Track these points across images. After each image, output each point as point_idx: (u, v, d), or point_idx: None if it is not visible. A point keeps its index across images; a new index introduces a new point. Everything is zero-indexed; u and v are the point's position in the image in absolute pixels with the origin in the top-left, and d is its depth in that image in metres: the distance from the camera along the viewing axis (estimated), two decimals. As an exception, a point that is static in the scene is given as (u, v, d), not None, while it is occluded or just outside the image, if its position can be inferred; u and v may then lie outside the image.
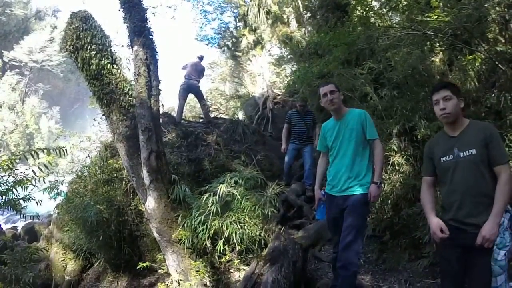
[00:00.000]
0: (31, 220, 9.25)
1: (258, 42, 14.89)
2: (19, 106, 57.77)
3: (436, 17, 4.77)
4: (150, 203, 4.70)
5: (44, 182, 4.78)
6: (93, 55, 4.94)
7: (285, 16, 14.67)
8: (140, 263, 5.05)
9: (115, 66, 5.08)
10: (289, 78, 12.87)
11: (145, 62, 4.85)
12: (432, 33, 4.99)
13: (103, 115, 5.31)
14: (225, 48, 17.33)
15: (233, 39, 16.68)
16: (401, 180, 4.90)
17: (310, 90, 8.07)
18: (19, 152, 4.43)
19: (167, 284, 4.87)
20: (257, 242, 4.89)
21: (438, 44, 5.59)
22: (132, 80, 5.05)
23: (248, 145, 7.50)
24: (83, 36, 4.98)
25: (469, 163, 2.42)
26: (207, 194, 4.83)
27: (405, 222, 4.52)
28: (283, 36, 13.90)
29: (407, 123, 4.98)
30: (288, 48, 13.49)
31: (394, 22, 6.75)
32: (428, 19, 4.89)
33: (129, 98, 4.98)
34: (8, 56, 60.50)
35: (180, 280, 4.67)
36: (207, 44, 18.73)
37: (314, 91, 7.58)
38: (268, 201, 5.02)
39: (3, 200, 4.21)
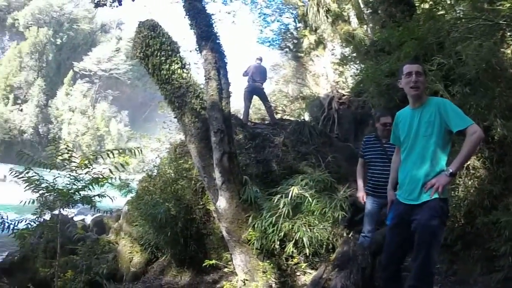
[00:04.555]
0: (100, 214, 9.88)
1: (319, 42, 14.65)
2: (90, 110, 63.62)
3: (509, 5, 4.34)
4: (222, 203, 4.77)
5: (116, 180, 5.04)
6: (163, 61, 5.13)
7: (345, 14, 14.28)
8: (206, 260, 5.14)
9: (185, 70, 5.24)
10: (354, 77, 12.49)
11: (214, 65, 4.95)
12: (505, 22, 4.55)
13: (174, 117, 5.49)
14: (287, 49, 17.27)
15: (294, 40, 16.58)
16: (476, 185, 4.47)
17: (378, 89, 7.75)
18: (94, 153, 4.71)
19: (233, 283, 4.92)
20: (324, 246, 4.76)
21: (509, 34, 5.07)
22: (202, 84, 5.17)
23: (315, 146, 7.36)
24: (152, 43, 5.20)
25: None
26: (278, 196, 4.78)
27: (478, 231, 4.15)
28: (345, 34, 13.52)
29: (481, 122, 4.47)
30: (351, 46, 13.12)
31: (461, 13, 6.27)
32: (500, 7, 4.46)
33: (200, 101, 5.09)
34: (78, 66, 66.98)
35: (246, 280, 4.68)
36: (268, 46, 18.78)
37: (382, 91, 7.26)
38: (339, 204, 4.85)
39: (80, 196, 4.44)
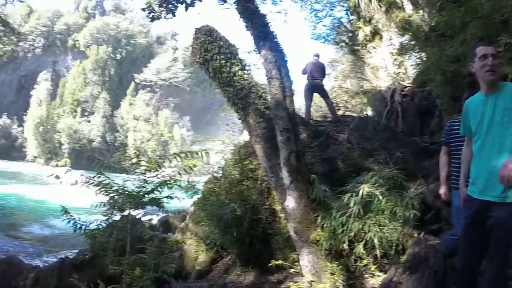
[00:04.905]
0: (166, 214, 10.31)
1: (375, 33, 14.06)
2: (154, 118, 68.26)
3: None
4: (290, 203, 4.71)
5: (183, 182, 5.17)
6: (223, 64, 5.19)
7: (398, 1, 13.58)
8: (272, 260, 5.10)
9: (245, 71, 5.27)
10: (416, 67, 11.87)
11: (275, 64, 4.93)
12: None
13: (239, 119, 5.54)
14: (342, 44, 16.81)
15: (349, 34, 16.06)
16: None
17: (443, 78, 7.28)
18: (161, 156, 4.87)
19: (298, 284, 4.82)
20: (394, 247, 4.52)
21: None
22: (264, 84, 5.17)
23: (380, 142, 7.05)
24: (211, 48, 5.29)
25: None
26: (348, 194, 4.64)
27: None
28: (401, 22, 12.86)
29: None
30: (408, 34, 12.47)
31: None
32: None
33: (264, 101, 5.09)
34: (139, 78, 72.20)
35: (313, 281, 4.58)
36: (323, 42, 18.37)
37: (448, 79, 6.81)
38: (410, 202, 4.59)
39: (149, 198, 4.55)
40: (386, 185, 4.77)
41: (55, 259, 9.47)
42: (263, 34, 5.09)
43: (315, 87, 8.75)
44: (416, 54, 11.83)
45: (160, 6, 7.51)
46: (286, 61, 5.17)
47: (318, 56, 9.17)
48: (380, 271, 4.60)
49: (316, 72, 8.72)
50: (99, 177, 4.36)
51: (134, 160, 4.54)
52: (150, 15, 7.77)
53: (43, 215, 18.08)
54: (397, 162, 6.37)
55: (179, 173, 4.68)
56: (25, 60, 70.97)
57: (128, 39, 75.53)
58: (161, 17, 7.73)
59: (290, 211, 4.73)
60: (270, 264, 5.13)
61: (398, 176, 4.96)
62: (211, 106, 69.21)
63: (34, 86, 67.48)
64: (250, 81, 5.20)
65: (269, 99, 4.96)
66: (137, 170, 4.45)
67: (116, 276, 5.03)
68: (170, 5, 7.57)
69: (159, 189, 4.46)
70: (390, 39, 13.94)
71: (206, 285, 6.47)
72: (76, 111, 65.09)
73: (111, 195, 4.38)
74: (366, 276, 4.69)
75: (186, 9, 7.56)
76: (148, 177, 4.48)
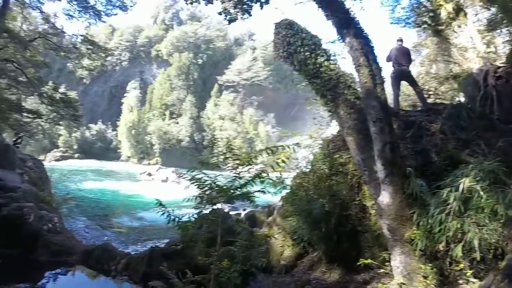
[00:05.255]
0: (252, 209, 10.53)
1: (459, 10, 12.41)
2: (238, 117, 70.35)
3: None
4: (384, 198, 4.46)
5: (275, 177, 5.14)
6: (308, 56, 5.12)
7: (477, -32, 12.01)
8: (361, 259, 4.89)
9: (331, 62, 5.13)
10: (508, 43, 10.51)
11: (361, 51, 4.72)
12: None
13: (329, 111, 5.42)
14: (424, 25, 15.42)
15: (430, 13, 14.64)
16: None
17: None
18: (254, 151, 4.88)
19: (388, 286, 4.57)
20: (492, 250, 4.04)
21: None
22: (352, 73, 4.99)
23: (475, 132, 6.38)
24: (293, 41, 5.26)
25: None
26: (446, 189, 4.25)
27: None
28: (486, -8, 11.37)
29: None
30: (495, 7, 11.02)
31: None
32: None
33: (353, 91, 4.92)
34: (221, 79, 75.92)
35: (403, 284, 4.30)
36: (403, 26, 17.15)
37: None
38: (513, 200, 4.01)
39: (240, 192, 4.62)
40: (487, 180, 4.27)
41: (143, 248, 10.21)
42: (345, 21, 4.90)
43: (402, 74, 8.11)
44: (507, 29, 10.48)
45: (235, 8, 7.63)
46: (373, 47, 4.89)
47: (401, 40, 8.48)
48: (475, 277, 4.15)
49: (402, 58, 8.08)
50: (193, 171, 4.57)
51: (228, 155, 4.64)
52: (227, 18, 7.96)
53: (133, 208, 19.62)
54: (497, 153, 5.71)
55: (273, 167, 4.65)
56: (114, 73, 79.78)
57: (207, 44, 79.77)
58: (237, 18, 7.88)
59: (384, 206, 4.47)
60: (358, 263, 4.93)
61: (499, 169, 4.41)
62: (294, 101, 71.00)
63: (124, 95, 74.90)
64: (337, 71, 5.06)
65: (359, 89, 4.77)
66: (229, 165, 4.55)
67: (202, 266, 5.26)
68: (245, 6, 7.66)
69: (252, 183, 4.51)
70: (475, 15, 12.42)
71: (290, 280, 6.46)
72: (164, 114, 70.72)
73: (204, 189, 4.56)
74: (461, 282, 4.26)
75: (262, 7, 7.61)
76: (240, 172, 4.55)
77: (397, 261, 4.46)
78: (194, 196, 4.69)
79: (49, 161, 49.72)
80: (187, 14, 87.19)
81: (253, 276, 6.05)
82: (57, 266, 8.06)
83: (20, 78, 18.06)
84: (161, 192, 23.23)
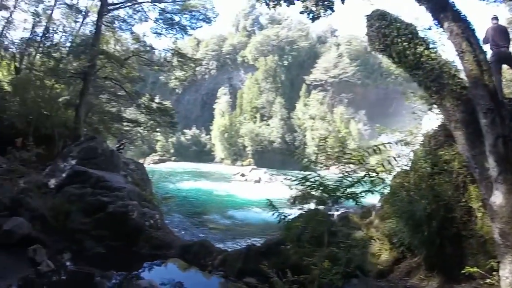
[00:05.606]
0: (345, 210, 10.22)
1: None
2: (329, 115, 69.51)
3: None
4: (497, 199, 4.00)
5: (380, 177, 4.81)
6: (406, 46, 4.83)
7: None
8: (466, 267, 4.41)
9: (431, 50, 4.77)
10: None
11: (463, 36, 4.36)
12: None
13: (434, 103, 5.04)
14: None
15: None
16: None
17: None
18: (361, 148, 4.58)
19: None
20: None
21: None
22: (453, 61, 4.57)
23: None
24: (388, 32, 5.00)
25: None
26: None
27: None
28: None
29: None
30: None
31: None
32: None
33: (458, 80, 4.50)
34: (309, 79, 76.01)
35: None
36: (494, 1, 15.11)
37: None
38: None
39: (347, 193, 4.41)
40: None
41: (235, 246, 10.61)
42: (440, 5, 4.57)
43: (502, 57, 6.95)
44: None
45: (316, 5, 7.51)
46: (474, 30, 4.44)
47: (497, 18, 7.26)
48: None
49: (500, 39, 6.90)
50: (305, 171, 4.53)
51: (339, 154, 4.52)
52: (310, 17, 7.87)
53: (225, 208, 20.46)
54: None
55: (383, 165, 4.41)
56: (204, 81, 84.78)
57: (290, 45, 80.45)
58: (320, 16, 7.77)
59: (496, 208, 4.00)
60: (461, 271, 4.49)
61: None
62: (385, 96, 68.57)
63: (215, 101, 79.42)
64: (439, 60, 4.68)
65: (464, 77, 4.32)
66: (340, 163, 4.40)
67: (299, 266, 5.19)
68: (326, 2, 7.54)
69: (361, 183, 4.32)
70: None
71: (386, 285, 6.15)
72: (255, 117, 73.19)
73: (313, 189, 4.48)
74: None
75: (343, 1, 7.39)
76: (347, 171, 4.38)
77: (507, 270, 3.98)
78: (292, 196, 4.68)
79: (148, 164, 54.46)
80: (266, 18, 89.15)
81: (353, 279, 5.83)
82: (156, 258, 8.71)
83: (119, 93, 20.15)
84: (254, 192, 23.90)
